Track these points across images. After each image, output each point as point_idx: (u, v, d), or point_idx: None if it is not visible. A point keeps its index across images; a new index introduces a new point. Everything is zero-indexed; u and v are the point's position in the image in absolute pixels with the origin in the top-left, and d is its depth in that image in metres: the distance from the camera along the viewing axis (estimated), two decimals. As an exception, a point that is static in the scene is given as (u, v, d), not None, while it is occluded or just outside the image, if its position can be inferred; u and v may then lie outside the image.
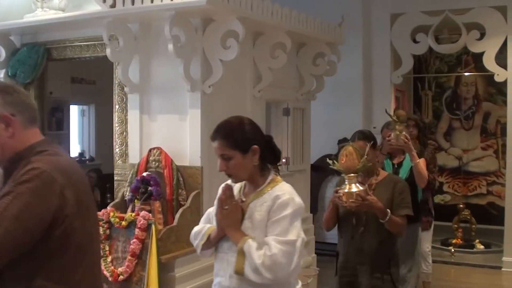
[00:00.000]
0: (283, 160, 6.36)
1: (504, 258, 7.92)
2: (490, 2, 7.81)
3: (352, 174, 3.84)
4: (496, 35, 7.82)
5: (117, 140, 5.45)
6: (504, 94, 8.67)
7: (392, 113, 5.36)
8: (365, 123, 8.28)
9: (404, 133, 5.04)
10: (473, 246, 9.00)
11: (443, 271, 7.78)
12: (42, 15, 5.53)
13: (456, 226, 9.21)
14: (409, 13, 8.31)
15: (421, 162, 5.24)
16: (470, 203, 10.18)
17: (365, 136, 4.21)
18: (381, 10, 8.51)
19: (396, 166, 5.44)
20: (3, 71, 5.95)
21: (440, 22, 8.08)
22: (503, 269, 7.89)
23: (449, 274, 7.83)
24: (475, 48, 8.12)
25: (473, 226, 9.25)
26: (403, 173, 5.34)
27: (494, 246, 8.95)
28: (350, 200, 3.86)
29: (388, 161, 5.50)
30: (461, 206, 9.38)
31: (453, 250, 8.66)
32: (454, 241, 8.99)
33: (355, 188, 3.83)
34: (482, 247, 9.01)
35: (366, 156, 3.83)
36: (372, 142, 4.09)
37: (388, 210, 3.89)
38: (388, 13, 8.46)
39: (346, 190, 3.84)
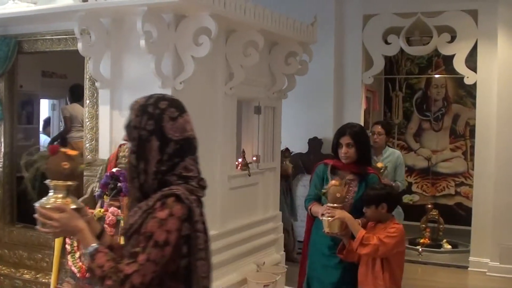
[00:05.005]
0: (254, 158, 6.39)
1: (470, 258, 8.04)
2: (462, 6, 7.91)
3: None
4: (467, 39, 7.92)
5: (87, 135, 5.42)
6: (473, 96, 8.79)
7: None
8: (335, 123, 8.33)
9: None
10: (440, 246, 9.11)
11: (410, 270, 7.84)
12: (13, 7, 5.48)
13: (424, 226, 9.32)
14: (381, 15, 8.38)
15: None
16: (438, 203, 10.31)
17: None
18: (353, 10, 8.56)
19: None
20: (-27, 63, 5.88)
21: (411, 24, 8.16)
22: (469, 268, 8.00)
23: (416, 273, 7.91)
24: (446, 51, 8.22)
25: (441, 226, 9.38)
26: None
27: (461, 246, 9.06)
28: None
29: None
30: (429, 206, 9.51)
31: (420, 249, 8.75)
32: (422, 240, 9.09)
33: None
34: (449, 247, 9.12)
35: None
36: None
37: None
38: (361, 14, 8.52)
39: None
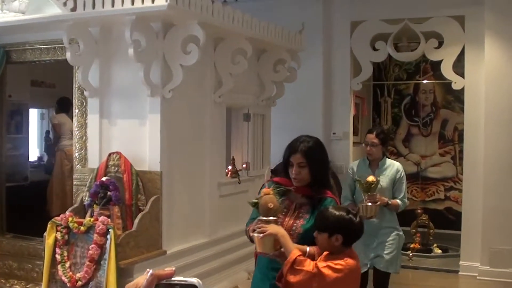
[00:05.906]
0: (244, 166, 6.39)
1: (461, 262, 8.06)
2: (448, 12, 7.95)
3: None
4: (454, 44, 7.96)
5: (76, 144, 5.41)
6: (461, 101, 8.83)
7: None
8: (324, 129, 8.38)
9: None
10: (431, 251, 9.13)
11: (401, 275, 7.81)
12: (1, 17, 5.46)
13: (414, 231, 9.34)
14: (369, 21, 8.41)
15: None
16: (428, 208, 10.36)
17: None
18: (341, 17, 8.59)
19: None
20: (-39, 73, 5.87)
21: (399, 31, 8.20)
22: (460, 273, 8.02)
23: (407, 278, 7.92)
24: (434, 57, 8.26)
25: (431, 230, 9.39)
26: None
27: (451, 250, 9.09)
28: None
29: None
30: (419, 211, 9.53)
31: (411, 254, 8.77)
32: (412, 245, 9.09)
33: None
34: (439, 251, 9.15)
35: None
36: None
37: None
38: (349, 21, 8.54)
39: None
